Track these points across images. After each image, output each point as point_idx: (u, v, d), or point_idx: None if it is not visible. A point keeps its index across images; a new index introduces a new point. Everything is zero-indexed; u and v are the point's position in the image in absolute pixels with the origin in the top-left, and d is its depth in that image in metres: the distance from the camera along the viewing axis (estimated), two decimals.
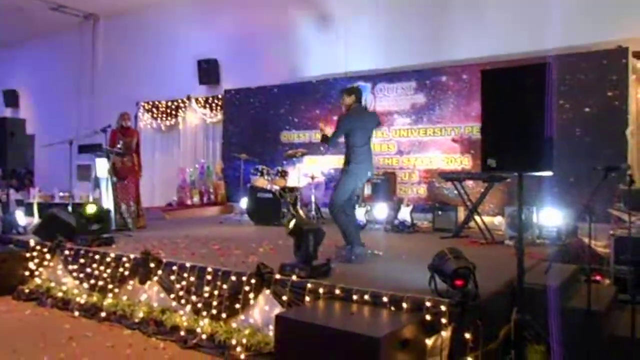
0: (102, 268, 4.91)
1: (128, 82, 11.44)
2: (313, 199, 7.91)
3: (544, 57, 6.80)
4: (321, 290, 3.59)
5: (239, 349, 3.73)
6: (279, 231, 6.40)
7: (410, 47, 8.09)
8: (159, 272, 4.49)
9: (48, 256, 5.43)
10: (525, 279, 3.32)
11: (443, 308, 3.10)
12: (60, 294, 5.10)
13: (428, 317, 3.12)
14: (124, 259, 4.79)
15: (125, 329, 4.35)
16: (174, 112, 10.72)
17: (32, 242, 5.59)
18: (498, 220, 6.71)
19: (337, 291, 3.53)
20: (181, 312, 4.27)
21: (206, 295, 4.14)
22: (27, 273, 5.53)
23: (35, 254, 5.51)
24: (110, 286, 4.80)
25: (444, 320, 3.08)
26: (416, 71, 7.93)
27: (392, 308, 3.28)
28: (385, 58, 8.33)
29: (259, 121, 9.55)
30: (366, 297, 3.40)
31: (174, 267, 4.42)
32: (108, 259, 4.91)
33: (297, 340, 3.08)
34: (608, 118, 6.46)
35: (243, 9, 9.89)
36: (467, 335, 3.00)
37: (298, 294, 3.68)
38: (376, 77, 8.30)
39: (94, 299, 4.82)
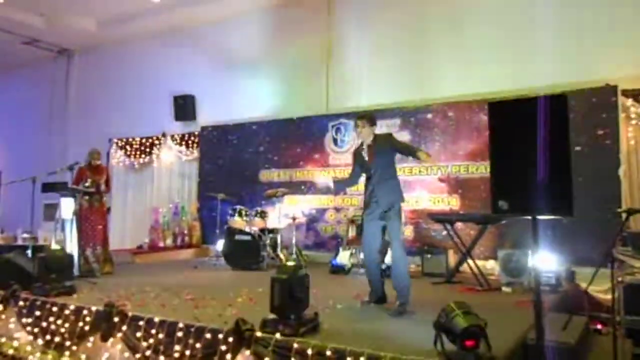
0: (59, 322, 4.34)
1: (101, 118, 10.96)
2: (294, 241, 7.46)
3: (531, 94, 6.68)
4: (309, 352, 3.12)
5: None
6: (259, 277, 5.97)
7: (393, 85, 7.88)
8: (124, 327, 3.95)
9: (0, 307, 4.82)
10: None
11: None
12: (11, 351, 4.51)
13: None
14: (85, 311, 4.24)
15: None
16: (148, 150, 10.24)
17: None
18: (490, 264, 6.36)
19: (328, 352, 3.06)
20: None
21: (176, 355, 3.62)
22: None
23: None
24: (68, 343, 4.23)
25: None
26: (400, 109, 7.67)
27: None
28: (368, 96, 8.08)
29: (236, 159, 9.15)
30: (362, 358, 2.95)
31: (141, 322, 3.89)
32: (67, 312, 4.36)
33: None
34: (599, 157, 6.25)
35: (221, 45, 9.63)
36: None
37: (282, 355, 3.20)
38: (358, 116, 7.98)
39: (49, 357, 4.25)
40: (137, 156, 10.33)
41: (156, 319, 3.84)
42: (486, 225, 5.66)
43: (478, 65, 7.17)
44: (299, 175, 8.52)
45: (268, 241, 7.13)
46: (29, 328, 4.53)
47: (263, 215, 7.38)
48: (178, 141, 9.93)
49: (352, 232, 6.99)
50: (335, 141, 8.20)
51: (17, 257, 5.16)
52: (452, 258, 6.54)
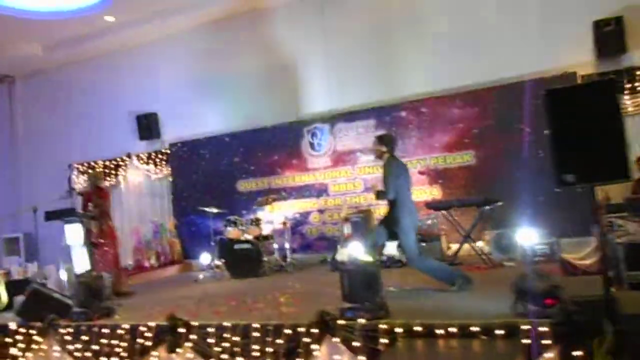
0: (114, 342, 4.34)
1: (56, 144, 10.51)
2: (287, 245, 7.70)
3: (497, 87, 7.41)
4: (398, 330, 3.45)
5: None
6: (270, 281, 6.22)
7: (363, 86, 8.33)
8: (192, 336, 4.06)
9: (38, 338, 4.69)
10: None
11: (543, 329, 3.10)
12: None
13: (527, 341, 3.10)
14: (142, 328, 4.28)
15: None
16: (113, 172, 9.98)
17: (12, 325, 4.82)
18: (479, 244, 6.94)
19: (418, 328, 3.41)
20: None
21: (256, 354, 3.80)
22: None
23: (19, 337, 4.75)
24: None
25: (547, 342, 3.07)
26: (374, 108, 8.15)
27: (484, 337, 3.23)
28: (340, 99, 8.48)
29: (211, 172, 9.20)
30: (452, 329, 3.32)
31: (210, 329, 4.03)
32: (120, 331, 4.36)
33: None
34: None
35: (180, 60, 9.63)
36: (577, 353, 2.99)
37: (371, 337, 3.50)
38: (334, 118, 8.40)
39: None
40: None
41: (227, 324, 4.00)
42: (484, 207, 6.23)
43: (444, 61, 7.77)
44: (277, 182, 8.74)
45: (276, 246, 7.36)
46: (77, 354, 4.48)
47: (257, 223, 7.54)
48: (145, 160, 9.78)
49: (347, 230, 7.32)
50: (312, 145, 8.52)
51: (44, 288, 5.03)
52: (444, 243, 7.07)
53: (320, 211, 8.42)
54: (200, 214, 8.63)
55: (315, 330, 3.66)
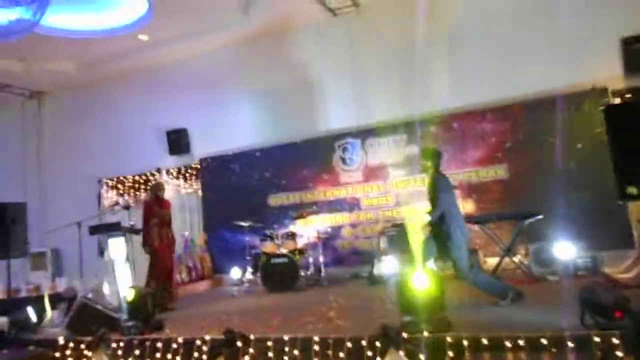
0: (168, 356, 4.34)
1: (85, 159, 10.62)
2: (322, 259, 7.70)
3: (528, 101, 7.45)
4: (465, 343, 3.44)
5: None
6: (309, 295, 6.22)
7: (393, 101, 8.29)
8: (250, 350, 4.06)
9: (87, 352, 4.71)
10: None
11: (615, 341, 3.08)
12: None
13: (599, 353, 3.09)
14: (198, 342, 4.29)
15: None
16: (142, 187, 10.06)
17: (61, 340, 4.84)
18: (517, 258, 6.90)
19: (485, 341, 3.40)
20: None
21: None
22: None
23: (68, 352, 4.77)
24: None
25: (619, 354, 3.05)
26: (405, 124, 8.20)
27: (554, 350, 3.21)
28: (369, 114, 8.49)
29: (241, 187, 9.25)
30: (520, 342, 3.31)
31: (269, 343, 4.03)
32: (174, 345, 4.37)
33: None
34: (600, 152, 7.02)
35: (210, 76, 9.75)
36: None
37: (437, 349, 3.49)
38: (364, 133, 8.46)
39: None
40: (131, 194, 10.12)
41: (286, 337, 4.00)
42: (525, 220, 6.22)
43: (474, 76, 7.82)
44: (309, 196, 8.78)
45: (310, 260, 7.37)
46: None
47: (293, 237, 7.57)
48: (174, 175, 9.88)
49: (383, 244, 7.33)
50: (343, 160, 8.58)
51: (91, 302, 5.06)
52: (481, 257, 7.04)
53: (353, 225, 8.44)
54: (231, 228, 8.71)
55: (378, 344, 3.65)
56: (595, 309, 3.31)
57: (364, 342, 3.72)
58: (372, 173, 8.39)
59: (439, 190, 4.84)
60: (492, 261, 6.92)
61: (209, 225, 9.49)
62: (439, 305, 3.74)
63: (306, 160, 8.80)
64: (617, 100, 7.01)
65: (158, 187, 6.43)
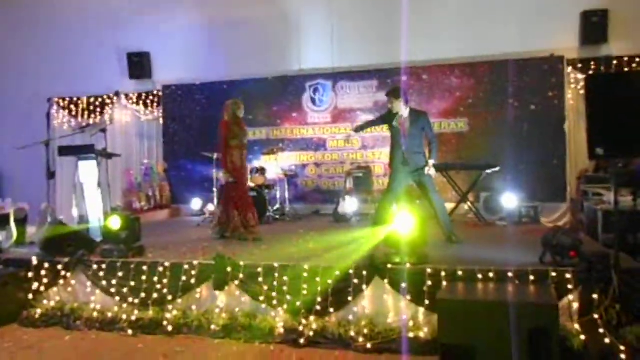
0: (155, 279, 4.54)
1: (33, 77, 10.04)
2: (287, 195, 8.00)
3: (493, 61, 7.88)
4: (443, 274, 3.89)
5: (361, 339, 3.86)
6: (280, 228, 6.52)
7: (367, 47, 8.55)
8: (240, 275, 4.33)
9: (65, 274, 4.81)
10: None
11: (568, 276, 3.65)
12: (95, 314, 4.61)
13: (554, 286, 3.64)
14: (186, 266, 4.50)
15: (211, 339, 4.15)
16: (98, 110, 9.76)
17: (34, 260, 4.89)
18: (468, 204, 7.50)
19: (460, 272, 3.86)
20: (273, 314, 4.20)
21: (305, 292, 4.14)
22: (30, 296, 4.86)
23: (43, 272, 4.84)
24: (169, 297, 4.47)
25: (569, 287, 3.63)
26: (377, 70, 8.44)
27: (517, 282, 3.73)
28: (343, 57, 8.67)
29: (207, 119, 9.15)
30: (490, 274, 3.81)
31: (259, 269, 4.31)
32: (161, 269, 4.56)
33: (462, 318, 3.34)
34: (549, 115, 7.67)
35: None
36: (595, 296, 3.56)
37: (417, 280, 3.93)
38: (336, 76, 8.62)
39: (151, 313, 4.46)
40: (86, 117, 9.79)
41: (276, 264, 4.29)
42: (483, 171, 6.79)
43: (447, 31, 8.14)
44: (276, 133, 8.93)
45: (277, 195, 7.68)
46: (112, 290, 4.63)
47: (262, 171, 7.76)
48: (134, 100, 9.64)
49: (349, 184, 7.71)
50: (313, 100, 8.74)
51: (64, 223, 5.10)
52: None
53: (317, 165, 8.74)
54: (192, 159, 8.81)
55: (364, 273, 4.04)
56: (554, 250, 3.85)
57: (351, 271, 4.10)
58: (341, 115, 8.64)
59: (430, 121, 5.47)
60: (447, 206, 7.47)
61: (169, 154, 9.48)
62: (421, 242, 4.16)
63: (276, 97, 8.87)
64: (570, 69, 7.61)
65: (237, 105, 5.97)
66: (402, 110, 5.37)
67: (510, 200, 6.93)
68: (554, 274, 3.71)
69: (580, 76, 7.59)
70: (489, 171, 6.84)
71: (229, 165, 5.83)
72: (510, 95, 7.84)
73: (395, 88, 5.55)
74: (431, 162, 5.33)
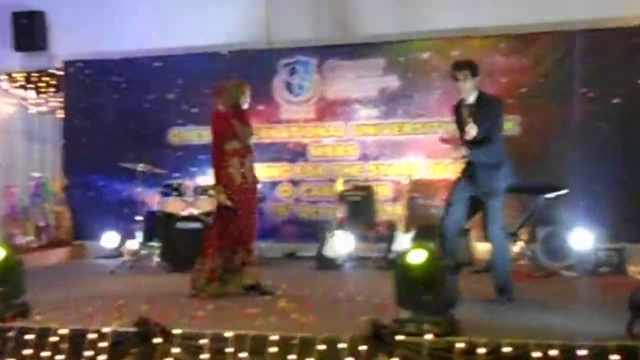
0: (44, 354, 4.44)
1: None
2: None
3: (558, 32, 7.99)
4: (481, 351, 3.86)
5: None
6: None
7: (371, 10, 8.60)
8: (174, 350, 4.27)
9: None
10: None
11: None
12: None
13: None
14: (92, 335, 4.42)
15: None
16: None
17: None
18: (520, 245, 7.52)
19: (507, 349, 3.83)
20: None
21: None
22: None
23: None
24: None
25: None
26: (384, 43, 8.51)
27: None
28: (333, 24, 8.73)
29: (129, 111, 9.23)
30: (553, 352, 3.78)
31: (202, 341, 4.25)
32: (55, 338, 4.46)
33: None
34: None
35: None
36: None
37: (443, 358, 3.89)
38: (324, 51, 8.69)
39: None
40: None
41: (228, 334, 4.23)
42: (542, 195, 6.83)
43: None
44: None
45: None
46: None
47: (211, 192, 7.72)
48: (22, 82, 9.62)
49: (342, 212, 7.70)
50: (289, 87, 8.79)
51: None
52: (472, 242, 7.60)
53: (294, 182, 8.75)
54: (107, 172, 8.80)
55: (363, 347, 4.00)
56: None
57: (342, 345, 4.05)
58: (330, 109, 8.69)
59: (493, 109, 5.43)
60: (483, 247, 7.44)
61: (71, 165, 9.47)
62: (448, 298, 4.14)
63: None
64: None
65: (240, 89, 5.97)
66: (471, 94, 5.47)
67: (582, 240, 6.95)
68: None
69: None
70: (550, 195, 6.87)
71: (225, 179, 5.74)
72: (582, 82, 7.94)
73: (467, 59, 5.77)
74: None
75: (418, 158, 8.40)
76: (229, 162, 5.73)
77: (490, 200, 5.38)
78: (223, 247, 5.78)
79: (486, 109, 5.39)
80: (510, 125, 8.11)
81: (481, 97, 5.46)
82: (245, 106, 5.99)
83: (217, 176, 5.76)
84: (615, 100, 7.83)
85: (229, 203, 5.69)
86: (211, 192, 6.17)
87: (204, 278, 5.74)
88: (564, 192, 6.92)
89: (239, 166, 5.78)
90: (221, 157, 5.73)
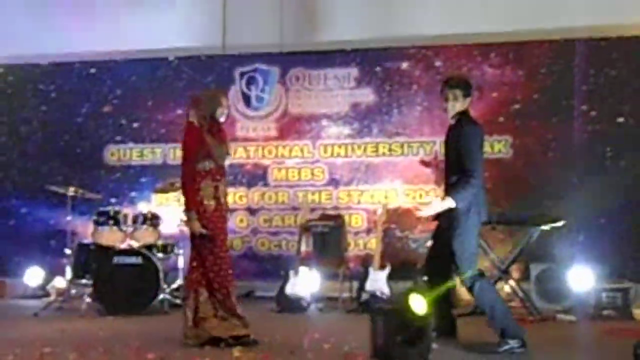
0: None
1: None
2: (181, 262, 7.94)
3: (556, 41, 8.24)
4: None
5: None
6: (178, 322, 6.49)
7: (343, 13, 8.77)
8: None
9: None
10: None
11: None
12: None
13: None
14: None
15: None
16: None
17: None
18: (511, 284, 7.70)
19: None
20: None
21: None
22: None
23: None
24: None
25: None
26: (357, 51, 8.70)
27: None
28: (299, 27, 8.88)
29: (58, 126, 9.31)
30: None
31: None
32: None
33: None
34: None
35: None
36: None
37: None
38: (287, 59, 8.87)
39: None
40: None
41: None
42: (537, 227, 6.97)
43: None
44: (177, 154, 8.94)
45: (181, 263, 7.60)
46: None
47: (154, 221, 7.79)
48: None
49: (307, 246, 7.82)
50: (246, 99, 8.94)
51: None
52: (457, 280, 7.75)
53: (251, 211, 8.86)
54: (29, 196, 8.84)
55: None
56: None
57: None
58: (294, 126, 8.86)
59: (468, 140, 5.32)
60: None
61: None
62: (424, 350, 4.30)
63: (180, 90, 8.99)
64: None
65: (216, 99, 5.86)
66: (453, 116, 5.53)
67: (581, 279, 7.13)
68: None
69: None
70: (545, 227, 7.02)
71: (193, 202, 5.71)
72: (583, 98, 8.19)
73: (461, 76, 5.93)
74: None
75: (395, 183, 8.56)
76: (201, 185, 5.67)
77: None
78: (208, 283, 5.73)
79: (457, 138, 5.41)
80: (501, 147, 8.35)
81: (460, 120, 5.45)
82: (223, 119, 5.94)
83: (189, 201, 5.71)
84: (620, 119, 8.08)
85: (204, 231, 5.62)
86: (183, 217, 5.99)
87: (191, 321, 5.70)
88: (560, 224, 7.05)
89: (213, 190, 5.75)
90: (192, 178, 5.68)
